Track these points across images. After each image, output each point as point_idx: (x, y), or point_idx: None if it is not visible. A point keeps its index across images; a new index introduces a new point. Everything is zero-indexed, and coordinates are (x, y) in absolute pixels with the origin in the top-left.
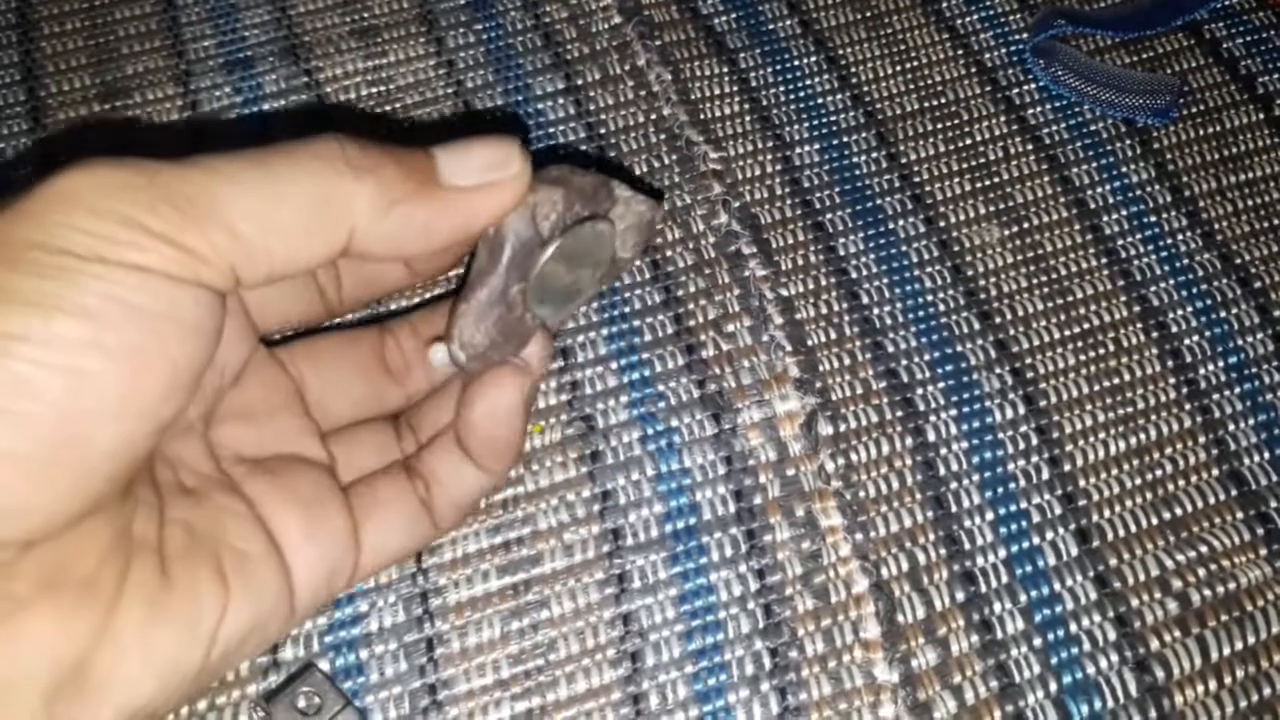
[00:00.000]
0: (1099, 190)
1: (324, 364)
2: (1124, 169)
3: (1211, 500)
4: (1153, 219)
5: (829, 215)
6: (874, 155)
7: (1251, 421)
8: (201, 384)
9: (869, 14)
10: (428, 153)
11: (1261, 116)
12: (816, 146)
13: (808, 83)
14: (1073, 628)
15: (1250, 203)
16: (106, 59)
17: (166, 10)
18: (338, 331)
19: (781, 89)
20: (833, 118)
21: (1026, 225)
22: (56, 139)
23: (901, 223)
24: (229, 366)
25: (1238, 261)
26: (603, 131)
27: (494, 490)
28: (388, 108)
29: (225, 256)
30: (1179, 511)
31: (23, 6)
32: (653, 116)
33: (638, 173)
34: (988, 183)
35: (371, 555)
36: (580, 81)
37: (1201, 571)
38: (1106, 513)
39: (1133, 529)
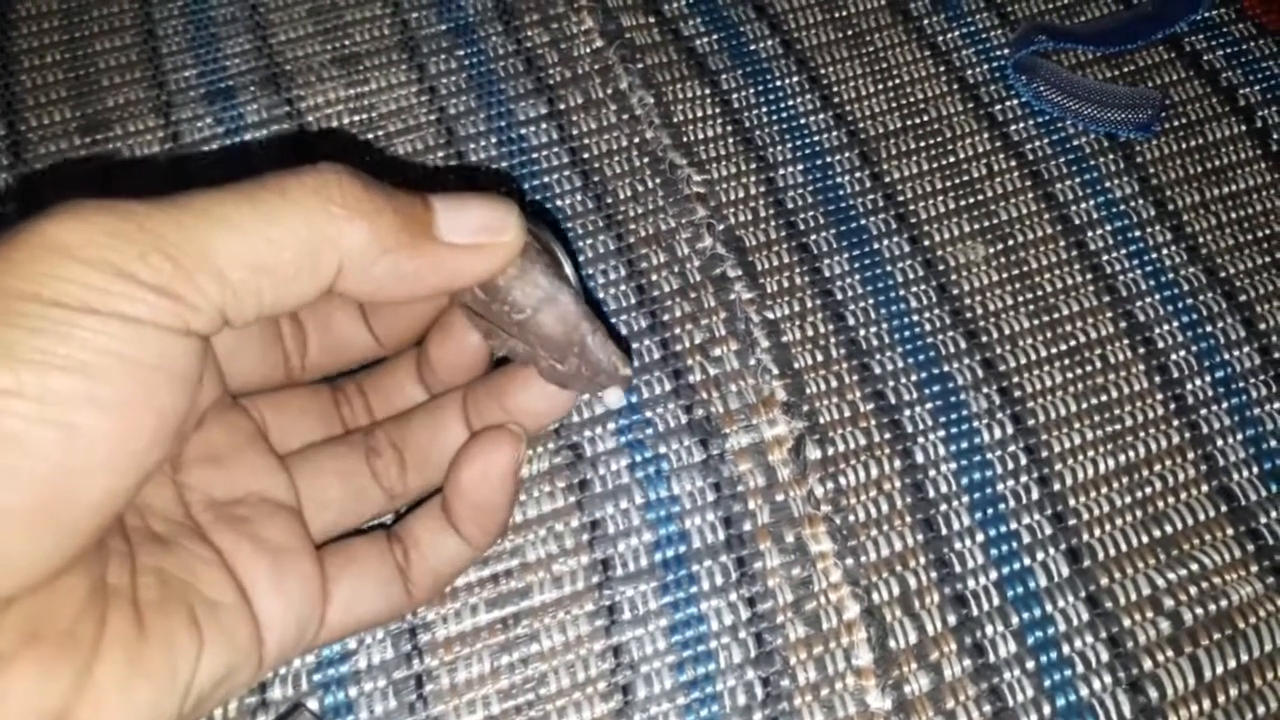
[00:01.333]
0: (1083, 206)
1: (285, 407)
2: (1107, 184)
3: (1201, 517)
4: (1137, 234)
5: (814, 236)
6: (857, 175)
7: (1240, 436)
8: None
9: (850, 33)
10: (427, 203)
11: (1244, 128)
12: (800, 167)
13: (790, 103)
14: (1065, 650)
15: (1234, 215)
16: (87, 91)
17: (147, 41)
18: (296, 388)
19: (764, 110)
20: (816, 138)
21: (1011, 242)
22: (39, 175)
23: (886, 242)
24: (196, 408)
25: (1222, 275)
26: (586, 156)
27: (472, 563)
28: (370, 135)
29: (214, 303)
30: (1169, 529)
31: (1, 40)
32: (636, 140)
33: (621, 197)
34: (971, 200)
35: (340, 612)
36: (563, 106)
37: (1193, 590)
38: (1097, 531)
39: (1123, 548)
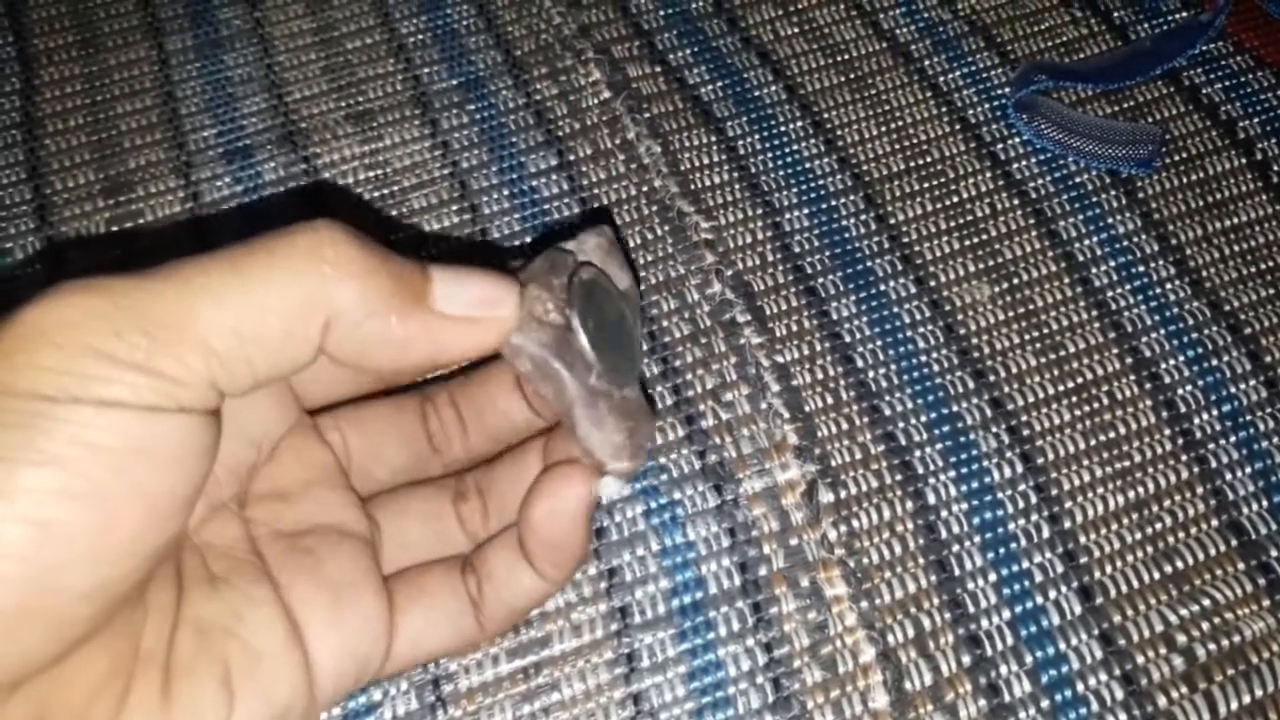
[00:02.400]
0: (1086, 242)
1: (368, 430)
2: (1110, 220)
3: (1212, 552)
4: (1141, 269)
5: (821, 279)
6: (863, 217)
7: (1248, 470)
8: (234, 463)
9: (852, 77)
10: (425, 271)
11: (1244, 161)
12: (806, 211)
13: (795, 148)
14: (1080, 688)
15: (1236, 248)
16: (110, 154)
17: (167, 103)
18: (383, 398)
19: (769, 155)
20: (821, 181)
21: (1016, 281)
22: (61, 239)
23: (892, 284)
24: (265, 441)
25: (1226, 308)
26: (596, 206)
27: (549, 598)
28: (386, 190)
29: (201, 376)
30: (1180, 565)
31: (26, 105)
32: (644, 189)
33: (631, 245)
34: (976, 240)
35: (409, 645)
36: (572, 157)
37: (1205, 625)
38: (1108, 569)
39: (1135, 584)
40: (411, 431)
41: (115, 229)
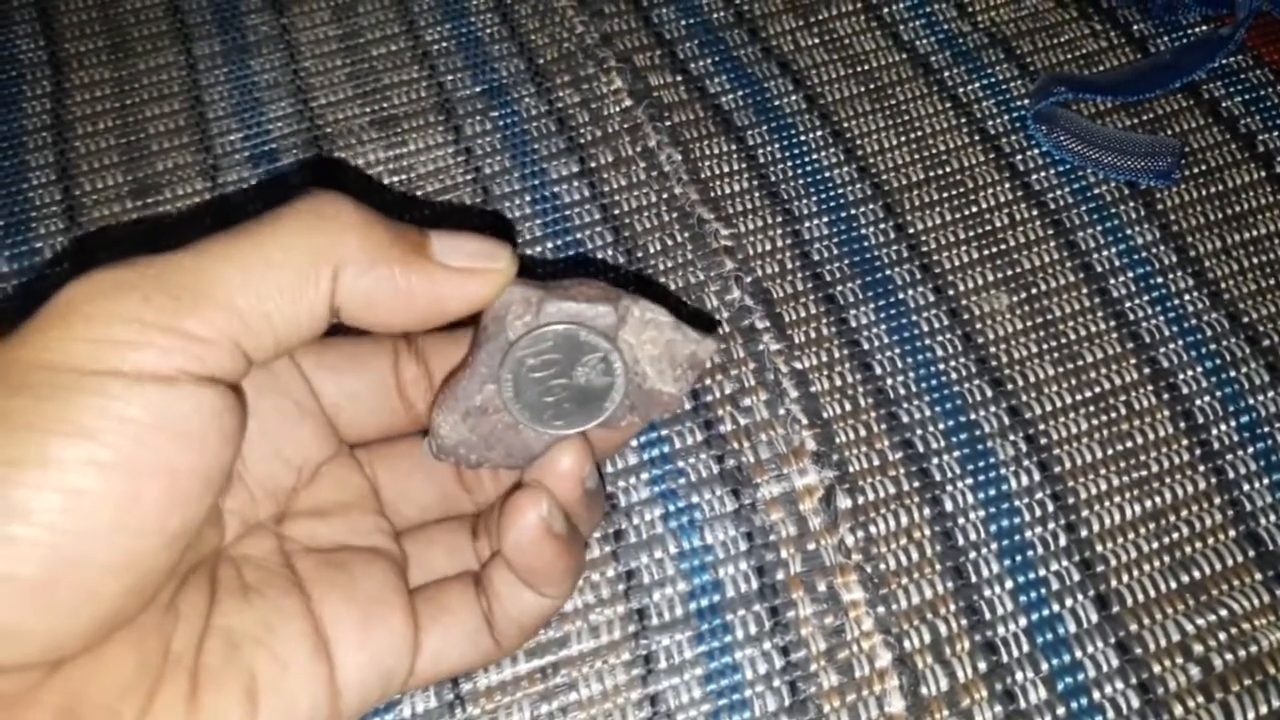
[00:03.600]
0: (1105, 253)
1: (399, 468)
2: (1129, 231)
3: (1230, 562)
4: (1159, 280)
5: (840, 287)
6: (882, 226)
7: (1266, 481)
8: (273, 485)
9: (872, 87)
10: (422, 230)
11: (1263, 174)
12: (825, 219)
13: (814, 157)
14: (1095, 696)
15: (1255, 260)
16: (138, 156)
17: (194, 107)
18: (416, 438)
19: (789, 164)
20: (840, 190)
21: (1034, 291)
22: (90, 238)
23: (911, 292)
24: (305, 466)
25: (1245, 320)
26: (616, 212)
27: (558, 610)
28: (409, 194)
29: (226, 334)
30: (1197, 574)
31: (57, 108)
32: (664, 196)
33: (651, 251)
34: (994, 249)
35: (431, 662)
36: (594, 164)
37: (1222, 635)
38: (1125, 578)
39: (1152, 593)
40: (441, 471)
41: (142, 228)
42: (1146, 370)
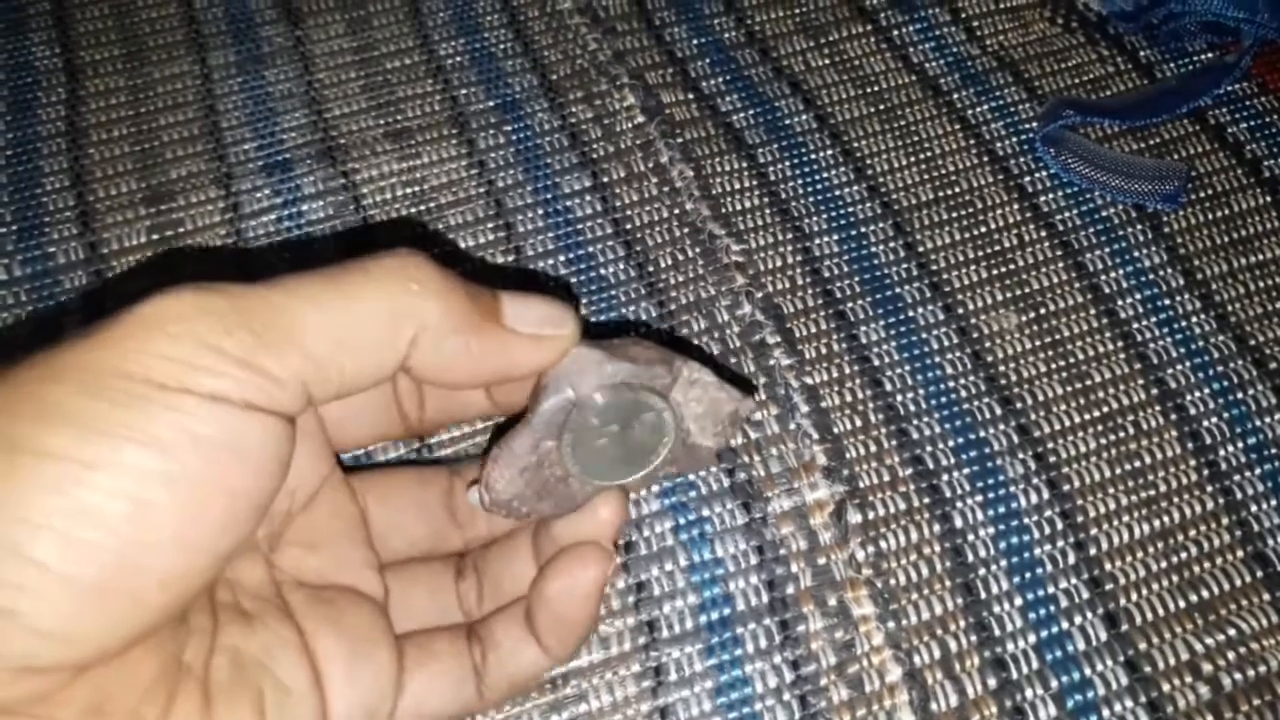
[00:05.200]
0: (1113, 275)
1: (390, 501)
2: (1136, 253)
3: (1238, 582)
4: (1166, 302)
5: (850, 304)
6: (891, 244)
7: (1274, 502)
8: (271, 509)
9: (882, 108)
10: (495, 293)
11: (1269, 199)
12: (835, 237)
13: (825, 175)
14: (1105, 714)
15: (1261, 284)
16: (152, 164)
17: (208, 116)
18: (410, 468)
19: (800, 182)
20: (850, 209)
21: (1043, 311)
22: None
23: (920, 310)
24: (302, 490)
25: (1252, 343)
26: (628, 227)
27: (549, 672)
28: (422, 206)
29: (298, 376)
30: (1206, 594)
31: (71, 115)
32: (676, 211)
33: (662, 265)
34: (1003, 269)
35: (412, 706)
36: (606, 179)
37: (1231, 655)
38: (1134, 596)
39: (1160, 612)
40: (433, 506)
41: (156, 236)
42: (1154, 391)
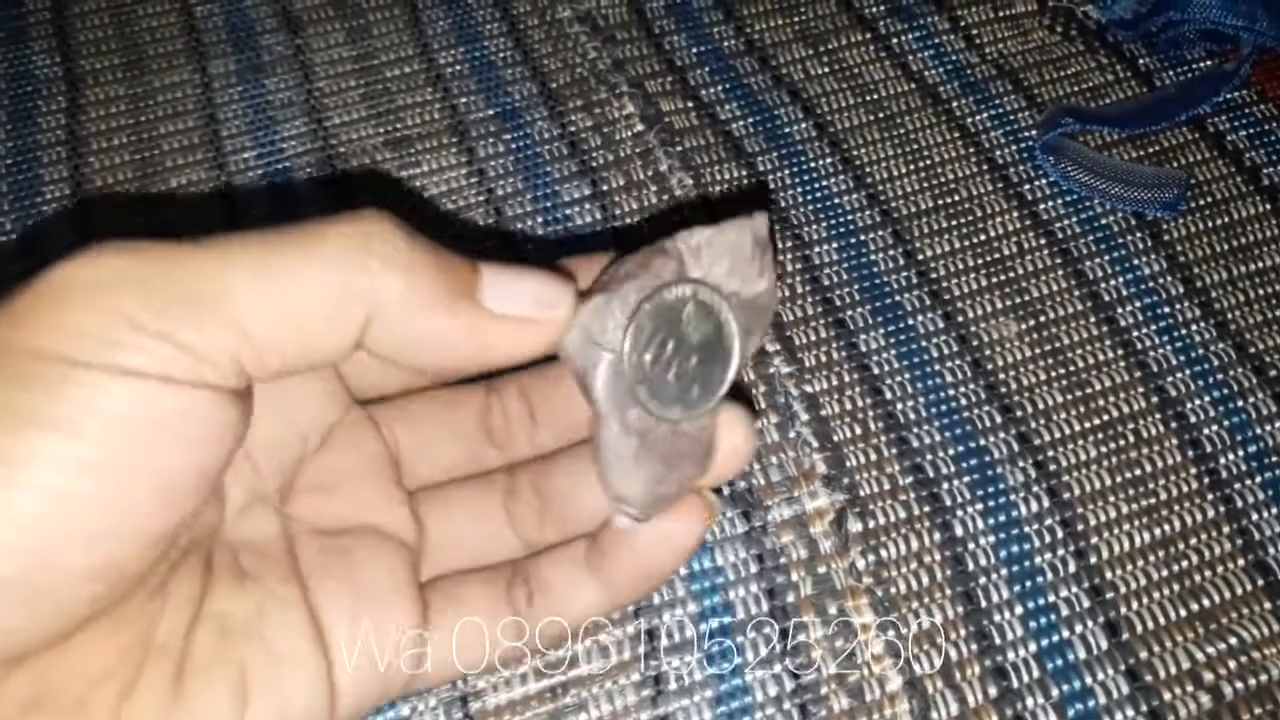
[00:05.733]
0: (1112, 283)
1: (419, 427)
2: (1136, 261)
3: (1239, 591)
4: (1166, 310)
5: (849, 312)
6: (891, 253)
7: (1275, 510)
8: (280, 454)
9: (881, 116)
10: (474, 266)
11: (1268, 207)
12: (835, 245)
13: (824, 183)
14: None
15: (1261, 292)
16: (152, 172)
17: (208, 124)
18: (440, 390)
19: (799, 190)
20: (849, 217)
21: (1042, 319)
22: (91, 204)
23: (920, 318)
24: (313, 432)
25: (1252, 351)
26: (628, 235)
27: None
28: (422, 216)
29: (228, 353)
30: (1207, 603)
31: (71, 123)
32: (676, 220)
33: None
34: (1003, 277)
35: (440, 661)
36: (605, 187)
37: (1232, 664)
38: (1135, 605)
39: (1161, 621)
40: (466, 427)
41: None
42: (1154, 399)
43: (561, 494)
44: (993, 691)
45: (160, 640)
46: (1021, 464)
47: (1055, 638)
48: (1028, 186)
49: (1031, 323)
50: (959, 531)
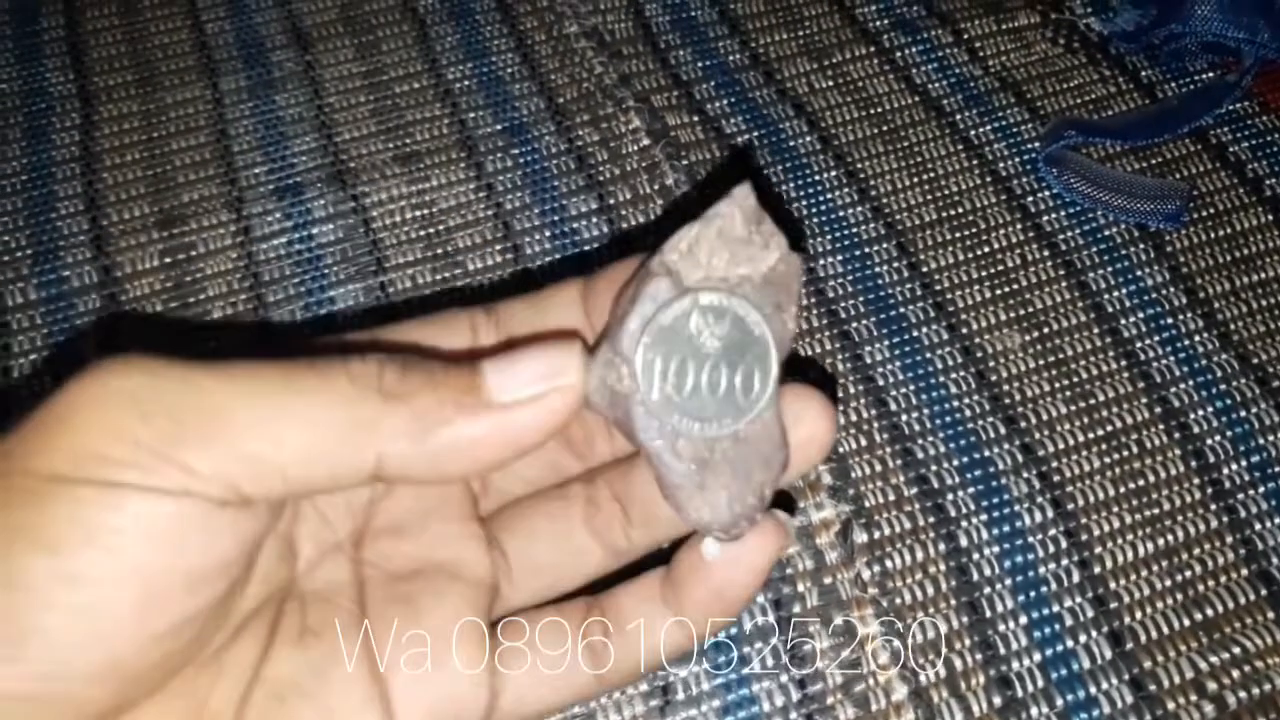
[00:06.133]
0: (1116, 294)
1: None
2: (1139, 272)
3: (1242, 600)
4: (1169, 321)
5: (854, 324)
6: (895, 265)
7: (1278, 521)
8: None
9: (885, 129)
10: (475, 368)
11: (1271, 218)
12: (840, 258)
13: (829, 196)
14: None
15: (1264, 303)
16: (164, 188)
17: (220, 140)
18: None
19: (804, 203)
20: (854, 229)
21: (1046, 330)
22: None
23: (924, 330)
24: (237, 573)
25: (1255, 361)
26: (635, 249)
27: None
28: (431, 229)
29: (222, 474)
30: (1210, 613)
31: (85, 140)
32: (674, 221)
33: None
34: (1006, 289)
35: (513, 706)
36: (612, 201)
37: (1235, 673)
38: (1138, 614)
39: (1165, 631)
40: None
41: (169, 260)
42: (1157, 410)
43: (644, 498)
44: (997, 701)
45: (214, 709)
46: (1025, 475)
47: (1059, 647)
48: (1031, 199)
49: (1035, 334)
50: (963, 542)
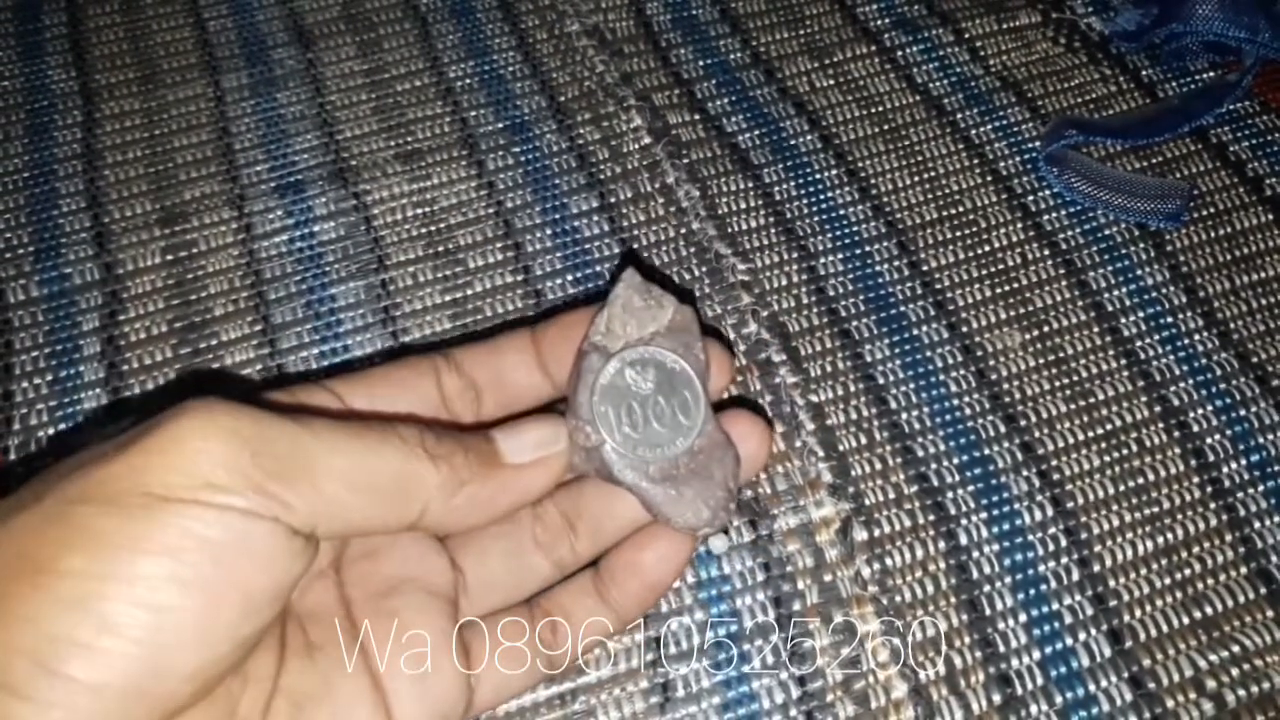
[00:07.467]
0: (1116, 293)
1: None
2: (1139, 271)
3: (1241, 599)
4: (1169, 320)
5: (855, 322)
6: (896, 263)
7: (1277, 519)
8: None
9: (886, 128)
10: (488, 436)
11: (1271, 217)
12: (840, 256)
13: (830, 195)
14: None
15: (1264, 302)
16: (166, 185)
17: (221, 138)
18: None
19: (805, 202)
20: (855, 228)
21: (1046, 329)
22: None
23: (925, 329)
24: (290, 590)
25: (1254, 360)
26: (635, 247)
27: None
28: (432, 227)
29: (306, 507)
30: (1209, 611)
31: (87, 137)
32: (683, 231)
33: (669, 284)
34: (1007, 288)
35: (489, 697)
36: (613, 199)
37: (1235, 671)
38: (1138, 613)
39: (1164, 629)
40: None
41: (170, 257)
42: (1157, 408)
43: (594, 512)
44: (997, 698)
45: (242, 716)
46: (1025, 473)
47: (1059, 645)
48: (1031, 198)
49: (1035, 333)
50: (963, 540)
